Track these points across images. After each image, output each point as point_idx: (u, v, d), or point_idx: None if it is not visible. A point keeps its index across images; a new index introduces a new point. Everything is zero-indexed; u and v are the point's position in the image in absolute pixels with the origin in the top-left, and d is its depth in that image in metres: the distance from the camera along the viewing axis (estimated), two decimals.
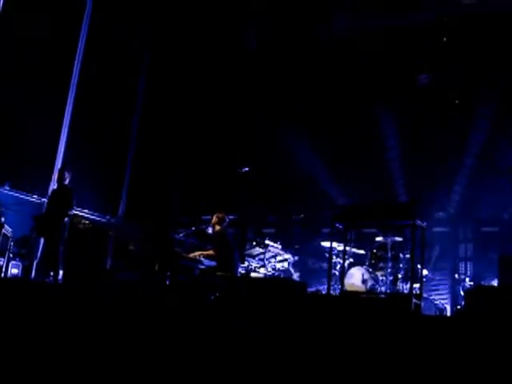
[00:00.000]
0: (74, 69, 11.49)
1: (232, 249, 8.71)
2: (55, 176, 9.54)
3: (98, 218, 11.46)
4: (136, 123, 13.22)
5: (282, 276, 10.04)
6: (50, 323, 4.94)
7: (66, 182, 8.99)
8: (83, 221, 10.73)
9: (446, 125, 11.34)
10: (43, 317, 5.01)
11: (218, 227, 8.86)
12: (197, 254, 8.78)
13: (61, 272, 8.56)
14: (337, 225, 7.61)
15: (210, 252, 8.73)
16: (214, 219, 8.89)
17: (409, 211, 6.99)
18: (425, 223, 7.18)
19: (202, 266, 8.70)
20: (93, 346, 4.68)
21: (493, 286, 8.48)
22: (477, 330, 4.00)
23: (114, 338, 4.74)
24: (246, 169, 10.24)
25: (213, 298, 7.21)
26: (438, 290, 10.63)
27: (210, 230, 9.07)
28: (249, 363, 4.27)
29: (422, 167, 11.43)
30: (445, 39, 11.59)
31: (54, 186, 10.07)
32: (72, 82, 11.45)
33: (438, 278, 10.70)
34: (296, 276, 10.51)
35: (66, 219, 8.82)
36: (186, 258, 8.65)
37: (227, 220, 8.94)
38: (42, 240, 9.72)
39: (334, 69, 12.26)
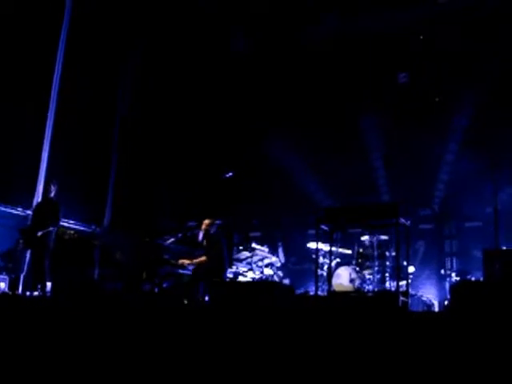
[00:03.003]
0: (54, 80, 11.38)
1: (223, 254, 8.73)
2: (40, 189, 9.49)
3: (84, 229, 11.38)
4: (118, 130, 13.10)
5: (269, 279, 10.09)
6: (41, 337, 4.94)
7: (52, 194, 8.95)
8: (68, 231, 10.67)
9: (426, 122, 11.44)
10: (33, 331, 5.01)
11: (208, 234, 8.85)
12: (186, 262, 8.78)
13: (48, 284, 8.52)
14: (322, 226, 7.69)
15: (202, 258, 8.74)
16: (204, 226, 8.88)
17: (392, 210, 7.08)
18: (408, 221, 7.26)
19: (190, 272, 8.73)
20: (85, 358, 4.69)
21: (477, 281, 8.58)
22: (462, 325, 4.06)
23: (106, 348, 4.75)
24: (231, 174, 10.29)
25: (201, 303, 7.24)
26: (425, 286, 10.71)
27: (200, 237, 9.05)
28: (240, 366, 4.30)
29: (404, 166, 11.55)
30: (421, 37, 11.73)
31: (38, 198, 10.02)
32: (52, 93, 11.35)
33: (425, 274, 10.81)
34: (281, 277, 10.55)
35: (52, 230, 8.77)
36: (173, 265, 8.67)
37: (216, 224, 8.94)
38: (28, 253, 9.66)
39: (314, 70, 12.33)
